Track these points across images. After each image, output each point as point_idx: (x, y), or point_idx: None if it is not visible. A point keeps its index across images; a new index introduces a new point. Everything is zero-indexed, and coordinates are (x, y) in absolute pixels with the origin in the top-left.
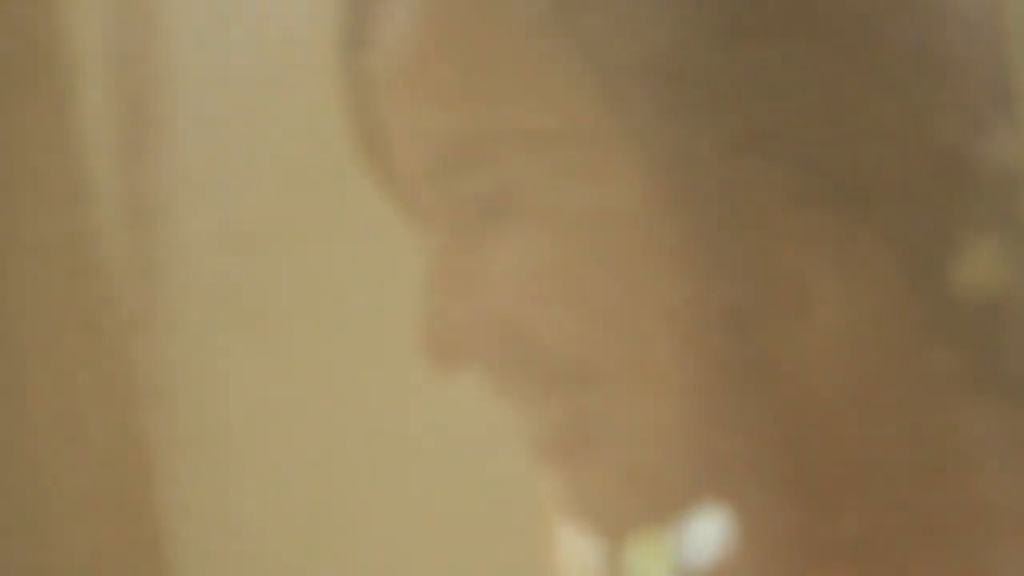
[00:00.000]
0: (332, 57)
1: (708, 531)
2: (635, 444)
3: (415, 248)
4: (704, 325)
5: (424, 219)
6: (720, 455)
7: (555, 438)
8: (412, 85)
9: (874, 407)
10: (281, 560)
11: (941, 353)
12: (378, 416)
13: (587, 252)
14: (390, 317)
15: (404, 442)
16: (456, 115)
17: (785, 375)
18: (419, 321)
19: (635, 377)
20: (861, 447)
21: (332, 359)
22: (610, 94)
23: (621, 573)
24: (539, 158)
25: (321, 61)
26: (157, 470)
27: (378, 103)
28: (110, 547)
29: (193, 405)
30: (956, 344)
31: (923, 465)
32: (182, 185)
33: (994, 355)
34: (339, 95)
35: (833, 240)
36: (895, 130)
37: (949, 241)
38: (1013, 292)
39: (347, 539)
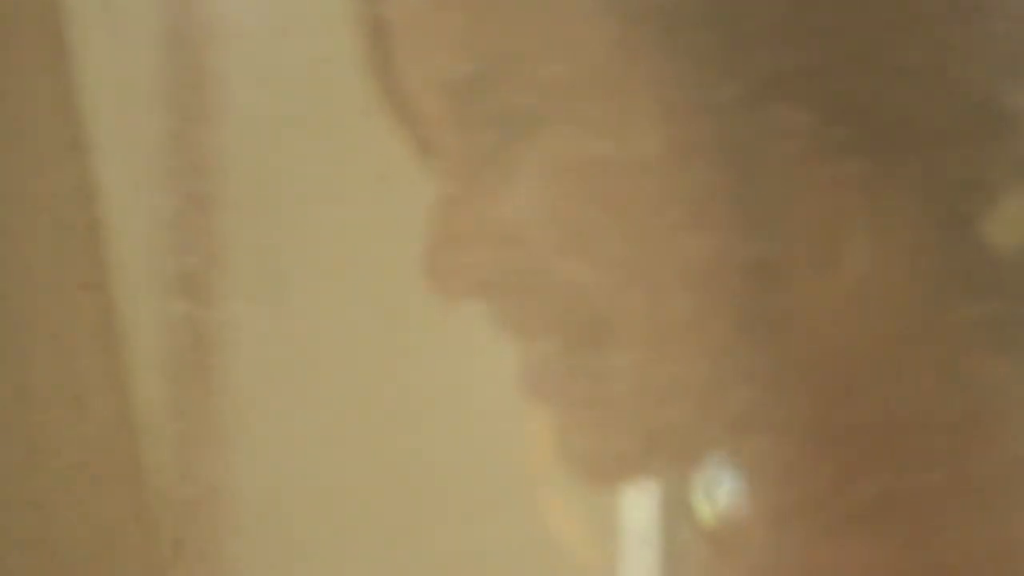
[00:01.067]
0: (345, 5)
1: (724, 487)
2: (649, 398)
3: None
4: (726, 279)
5: (439, 163)
6: (740, 411)
7: (557, 378)
8: (425, 31)
9: (902, 362)
10: (289, 528)
11: (972, 306)
12: (395, 389)
13: (602, 203)
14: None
15: (422, 414)
16: (469, 62)
17: (810, 330)
18: (425, 250)
19: (652, 331)
20: (889, 403)
21: (347, 323)
22: (625, 40)
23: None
24: (553, 107)
25: (333, 10)
26: (162, 439)
27: (394, 49)
28: (112, 518)
29: (200, 370)
30: (987, 296)
31: (953, 421)
32: (190, 139)
33: None
34: (354, 43)
35: (862, 189)
36: (926, 74)
37: (982, 191)
38: None
39: (357, 508)
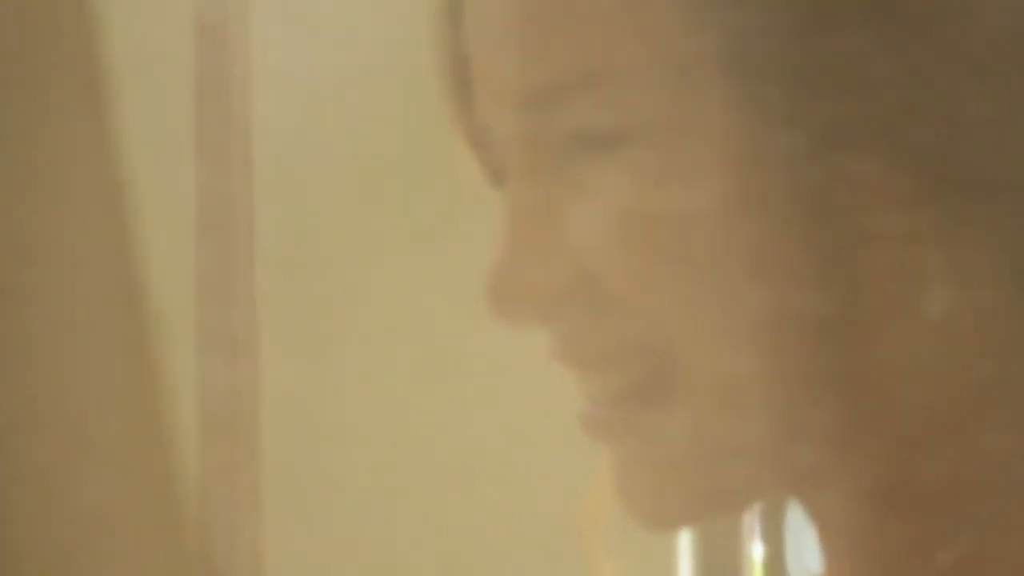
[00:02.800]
0: (428, 29)
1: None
2: (710, 455)
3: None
4: (792, 333)
5: (510, 186)
6: (806, 470)
7: (617, 420)
8: (504, 43)
9: (978, 420)
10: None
11: None
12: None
13: (660, 257)
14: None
15: (467, 476)
16: (545, 75)
17: (880, 386)
18: (491, 272)
19: (714, 386)
20: (965, 463)
21: (389, 382)
22: (684, 88)
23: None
24: (609, 158)
25: (373, 62)
26: (203, 498)
27: (470, 68)
28: (159, 569)
29: (240, 428)
30: None
31: None
32: (231, 195)
33: None
34: (435, 69)
35: (935, 241)
36: (991, 125)
37: None
38: None
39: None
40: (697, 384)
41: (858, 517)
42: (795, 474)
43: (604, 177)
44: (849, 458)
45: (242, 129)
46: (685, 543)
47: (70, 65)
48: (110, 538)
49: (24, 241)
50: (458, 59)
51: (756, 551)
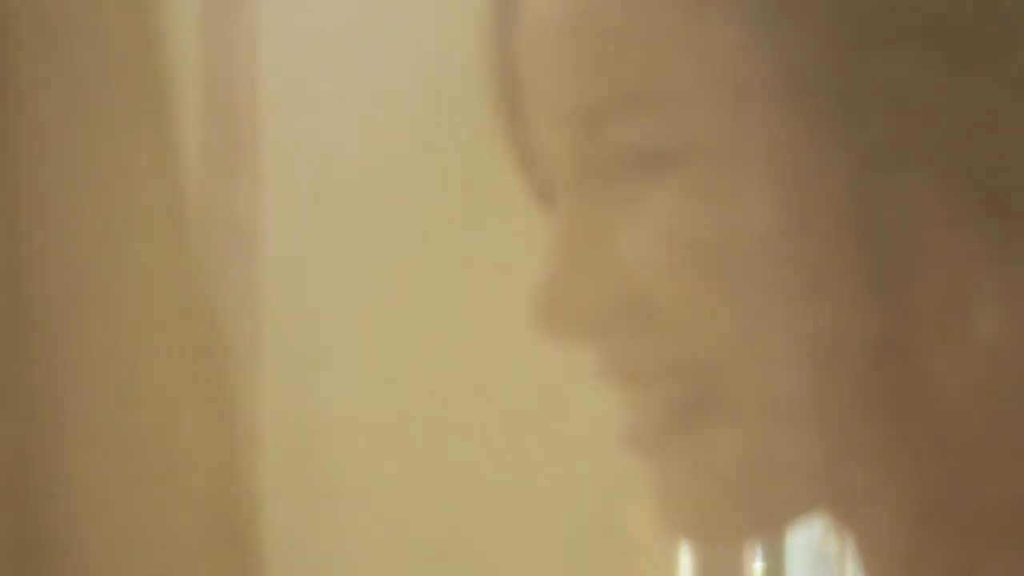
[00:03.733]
0: (478, 46)
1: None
2: (758, 474)
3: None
4: (842, 353)
5: (560, 203)
6: (855, 490)
7: (663, 438)
8: (559, 59)
9: None
10: None
11: None
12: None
13: (711, 277)
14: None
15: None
16: (601, 92)
17: (931, 407)
18: (540, 288)
19: (764, 405)
20: (1010, 487)
21: (435, 389)
22: (739, 108)
23: None
24: (662, 177)
25: (420, 79)
26: (261, 510)
27: (522, 86)
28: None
29: (303, 447)
30: None
31: None
32: (280, 212)
33: None
34: (486, 79)
35: (990, 261)
36: None
37: None
38: None
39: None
40: (747, 403)
41: (904, 539)
42: (843, 495)
43: (657, 196)
44: (898, 480)
45: (270, 145)
46: (686, 559)
47: (136, 89)
48: (171, 549)
49: (89, 260)
50: (508, 78)
51: (757, 568)
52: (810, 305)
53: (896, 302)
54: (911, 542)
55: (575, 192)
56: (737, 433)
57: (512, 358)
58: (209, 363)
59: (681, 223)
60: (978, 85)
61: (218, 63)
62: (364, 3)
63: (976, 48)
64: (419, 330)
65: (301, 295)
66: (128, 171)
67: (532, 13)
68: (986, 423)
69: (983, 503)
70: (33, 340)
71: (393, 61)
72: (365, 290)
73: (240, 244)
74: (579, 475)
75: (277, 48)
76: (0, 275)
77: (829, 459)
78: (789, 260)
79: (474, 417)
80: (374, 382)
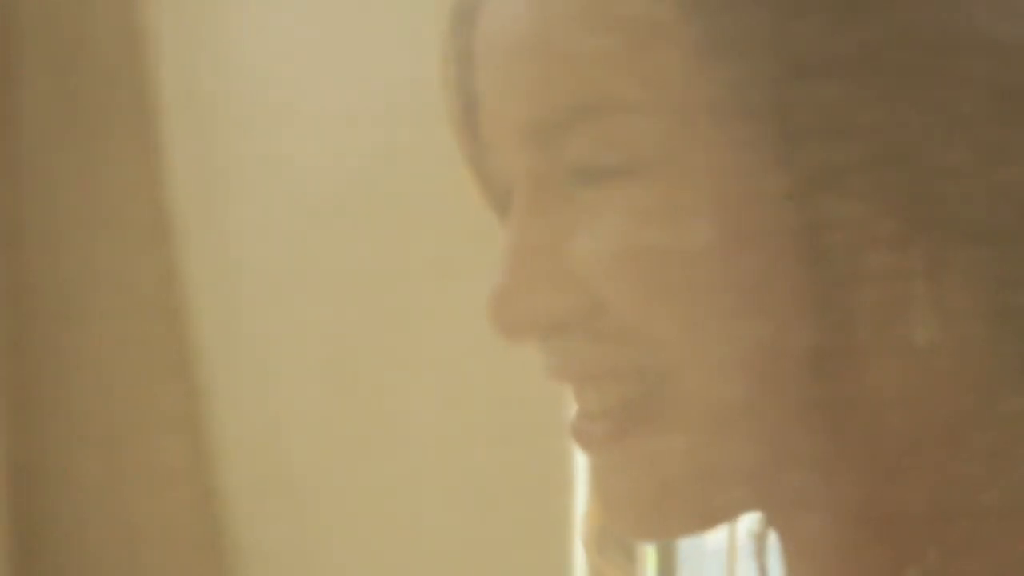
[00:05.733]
0: (439, 38)
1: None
2: (701, 480)
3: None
4: (781, 365)
5: (514, 212)
6: (793, 494)
7: (609, 438)
8: (507, 82)
9: (953, 448)
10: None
11: (1022, 397)
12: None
13: (659, 288)
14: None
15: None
16: (544, 112)
17: (864, 414)
18: (493, 290)
19: (706, 414)
20: (938, 489)
21: (413, 406)
22: (682, 129)
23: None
24: (610, 193)
25: (396, 101)
26: (241, 518)
27: (479, 106)
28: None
29: (279, 452)
30: None
31: (1001, 508)
32: (260, 224)
33: None
34: (445, 97)
35: (921, 279)
36: (972, 171)
37: None
38: None
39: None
40: (690, 408)
41: (836, 538)
42: (781, 497)
43: (605, 211)
44: (833, 482)
45: (254, 159)
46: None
47: (122, 103)
48: (153, 549)
49: (74, 269)
50: (467, 98)
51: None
52: (751, 317)
53: (833, 315)
54: (844, 542)
55: (529, 206)
56: (679, 435)
57: (474, 364)
58: (185, 369)
59: (627, 236)
60: (909, 114)
61: (198, 80)
62: (336, 22)
63: (904, 76)
64: (387, 336)
65: (275, 302)
66: (111, 185)
67: (486, 34)
68: (917, 428)
69: (912, 505)
70: (19, 344)
71: (363, 78)
72: (335, 296)
73: (216, 252)
74: (540, 475)
75: (253, 65)
76: None
77: (767, 462)
78: (731, 274)
79: (438, 419)
80: (344, 387)
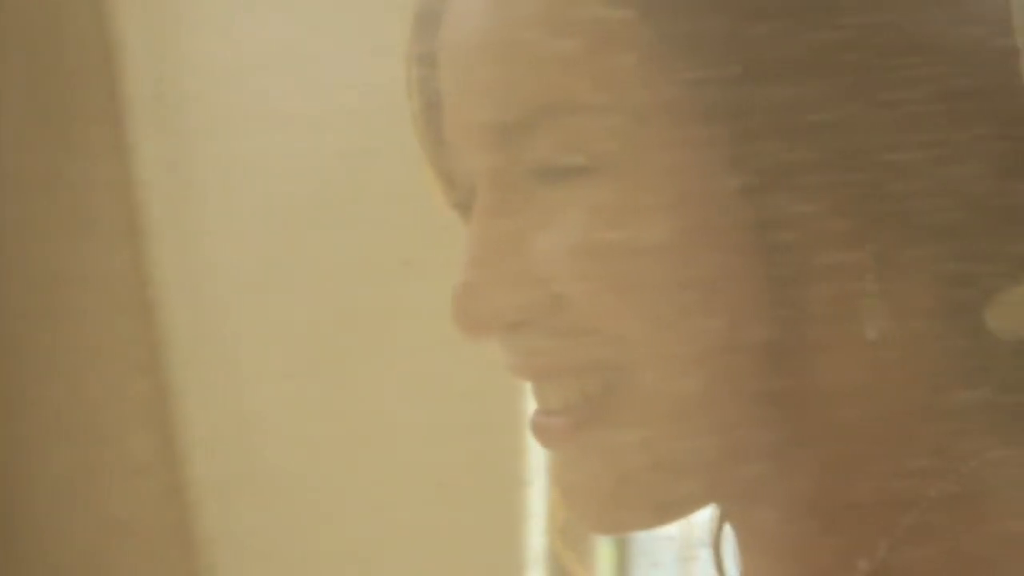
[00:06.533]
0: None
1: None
2: (659, 473)
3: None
4: (736, 359)
5: (476, 211)
6: (748, 486)
7: (568, 434)
8: (469, 84)
9: (903, 440)
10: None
11: (968, 391)
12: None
13: (618, 285)
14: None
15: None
16: (506, 113)
17: (816, 408)
18: (456, 289)
19: (663, 407)
20: (888, 480)
21: (378, 402)
22: (639, 130)
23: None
24: (570, 192)
25: (366, 105)
26: (210, 509)
27: (442, 108)
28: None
29: (246, 445)
30: (982, 383)
31: (948, 499)
32: (228, 220)
33: (1020, 395)
34: (409, 99)
35: (872, 275)
36: (919, 171)
37: (980, 283)
38: None
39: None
40: (647, 402)
41: (790, 529)
42: (735, 490)
43: (566, 209)
44: (785, 475)
45: (223, 158)
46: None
47: (93, 104)
48: (122, 541)
49: (45, 267)
50: (430, 99)
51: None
52: (706, 312)
53: (787, 310)
54: (796, 534)
55: (491, 205)
56: (637, 429)
57: (438, 361)
58: (155, 365)
59: (587, 234)
60: (859, 115)
61: (168, 81)
62: (304, 25)
63: (855, 77)
64: (353, 334)
65: (243, 299)
66: (83, 185)
67: (449, 37)
68: (867, 421)
69: (863, 497)
70: None
71: (331, 80)
72: (302, 293)
73: (186, 250)
74: (503, 469)
75: (223, 67)
76: None
77: (722, 455)
78: (687, 271)
79: (404, 414)
80: (311, 383)
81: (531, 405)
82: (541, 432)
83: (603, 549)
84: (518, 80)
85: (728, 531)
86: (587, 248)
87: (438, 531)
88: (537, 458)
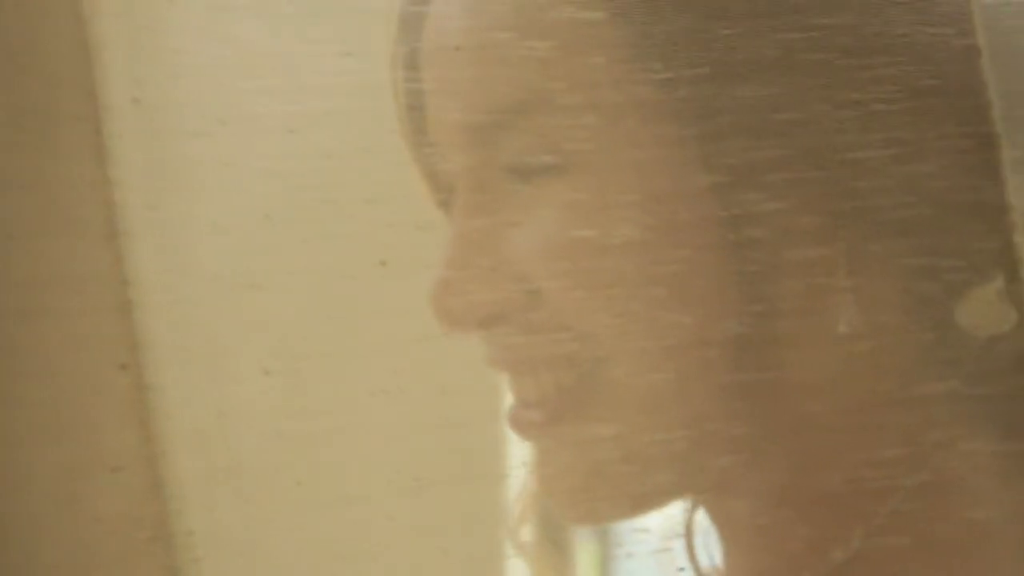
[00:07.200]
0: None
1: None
2: (631, 466)
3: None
4: (706, 353)
5: (456, 208)
6: (721, 477)
7: (544, 426)
8: (449, 85)
9: (873, 431)
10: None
11: (937, 383)
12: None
13: (592, 280)
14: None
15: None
16: (482, 113)
17: (788, 400)
18: (435, 283)
19: (635, 401)
20: (860, 470)
21: (355, 397)
22: (612, 129)
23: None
24: (544, 190)
25: (341, 106)
26: (192, 509)
27: (424, 107)
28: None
29: (227, 443)
30: (951, 375)
31: (925, 486)
32: (209, 226)
33: (988, 387)
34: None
35: (841, 270)
36: (881, 169)
37: (951, 276)
38: (1010, 328)
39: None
40: (621, 395)
41: (764, 519)
42: (708, 482)
43: (541, 207)
44: (758, 467)
45: (201, 160)
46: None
47: (71, 105)
48: (102, 541)
49: (24, 268)
50: (413, 100)
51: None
52: (678, 307)
53: (757, 304)
54: (770, 525)
55: (470, 203)
56: (610, 422)
57: (416, 357)
58: (136, 363)
59: (561, 230)
60: (823, 114)
61: (146, 83)
62: (283, 28)
63: (820, 77)
64: (332, 331)
65: (222, 299)
66: (61, 186)
67: (429, 40)
68: (838, 412)
69: (832, 483)
70: None
71: (309, 82)
72: (280, 292)
73: (165, 250)
74: (479, 463)
75: (201, 69)
76: None
77: (694, 447)
78: (658, 266)
79: (382, 410)
80: (290, 380)
81: (509, 400)
82: (518, 424)
83: (584, 543)
84: (493, 81)
85: (710, 523)
86: (560, 245)
87: (417, 524)
88: (516, 452)
